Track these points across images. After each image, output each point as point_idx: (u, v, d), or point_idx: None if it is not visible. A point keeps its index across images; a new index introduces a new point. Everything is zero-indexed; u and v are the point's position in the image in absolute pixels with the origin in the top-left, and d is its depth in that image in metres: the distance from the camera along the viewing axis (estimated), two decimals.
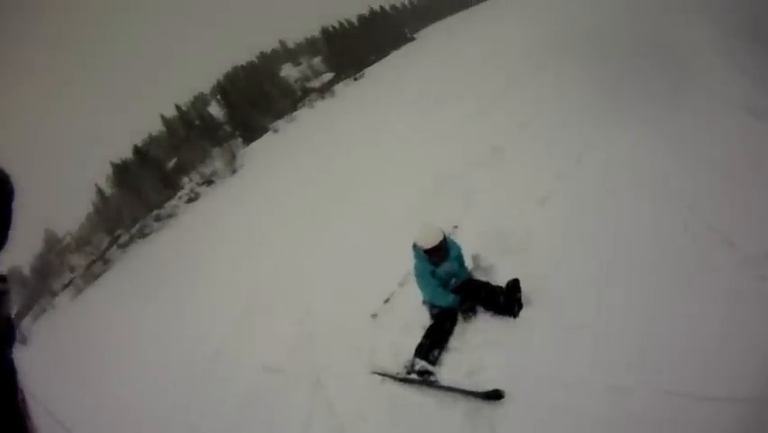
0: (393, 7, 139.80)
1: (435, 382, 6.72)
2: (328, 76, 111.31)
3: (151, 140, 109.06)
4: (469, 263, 8.35)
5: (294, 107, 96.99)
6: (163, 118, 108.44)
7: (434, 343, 7.15)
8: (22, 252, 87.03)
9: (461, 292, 7.58)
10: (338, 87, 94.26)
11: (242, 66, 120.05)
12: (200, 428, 10.01)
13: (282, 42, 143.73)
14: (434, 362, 6.96)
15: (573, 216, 8.91)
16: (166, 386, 13.16)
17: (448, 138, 19.32)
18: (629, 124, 11.02)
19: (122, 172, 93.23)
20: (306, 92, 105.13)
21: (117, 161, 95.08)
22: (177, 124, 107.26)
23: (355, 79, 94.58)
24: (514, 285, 7.13)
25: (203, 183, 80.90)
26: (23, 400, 1.71)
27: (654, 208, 7.85)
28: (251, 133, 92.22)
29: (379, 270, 10.99)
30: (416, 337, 7.48)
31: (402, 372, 7.20)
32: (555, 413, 5.33)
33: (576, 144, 11.62)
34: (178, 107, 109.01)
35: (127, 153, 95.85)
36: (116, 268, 67.17)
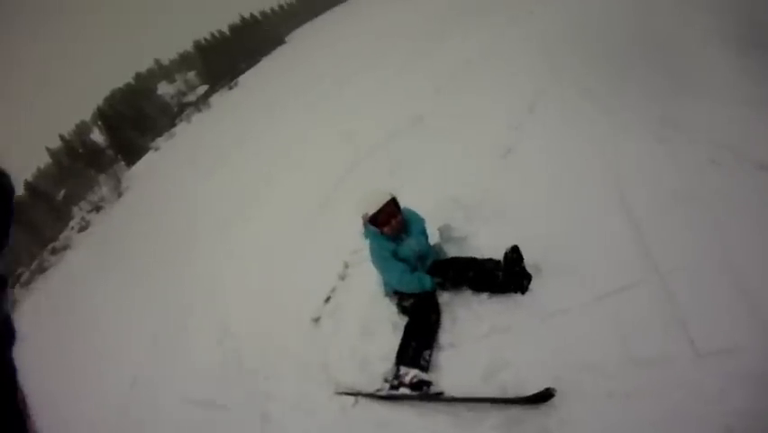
0: (263, 13, 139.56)
1: (442, 394, 4.82)
2: (203, 88, 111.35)
3: (40, 173, 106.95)
4: (433, 240, 6.50)
5: (172, 124, 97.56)
6: (49, 150, 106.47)
7: (421, 343, 5.25)
8: None
9: (436, 274, 5.78)
10: (213, 99, 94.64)
11: (120, 88, 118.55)
12: None
13: (157, 60, 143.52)
14: (426, 367, 5.11)
15: (546, 166, 7.46)
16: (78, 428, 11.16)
17: (354, 117, 18.23)
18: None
19: (16, 210, 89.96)
20: (183, 107, 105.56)
21: None
22: (61, 154, 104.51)
23: (230, 89, 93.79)
24: (514, 254, 5.35)
25: (91, 210, 79.93)
26: (23, 400, 1.60)
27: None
28: (133, 154, 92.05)
29: (309, 264, 9.25)
30: (383, 340, 5.77)
31: (384, 387, 5.26)
32: (620, 406, 3.91)
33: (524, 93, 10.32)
34: (61, 137, 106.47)
35: (19, 190, 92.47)
36: (22, 307, 64.99)
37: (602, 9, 13.19)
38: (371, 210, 5.66)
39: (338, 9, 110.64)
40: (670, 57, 9.18)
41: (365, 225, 5.82)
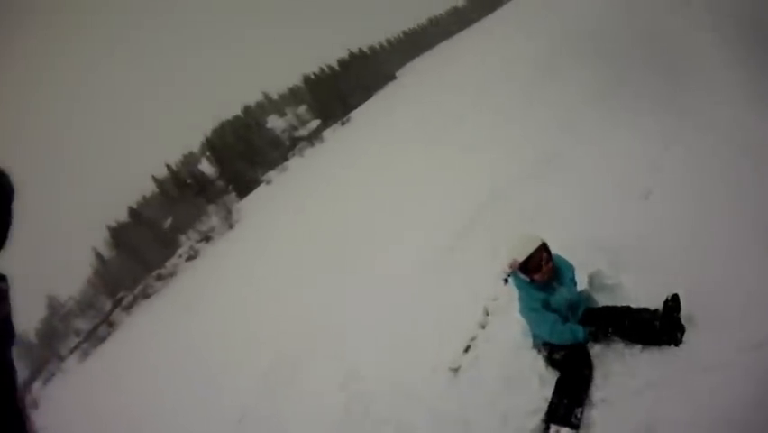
0: (371, 48, 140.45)
1: None
2: (315, 123, 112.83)
3: (145, 201, 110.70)
4: (580, 287, 6.19)
5: (284, 157, 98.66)
6: (155, 179, 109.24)
7: (573, 399, 5.08)
8: (25, 318, 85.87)
9: (588, 323, 5.54)
10: (326, 133, 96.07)
11: (228, 121, 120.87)
12: None
13: (265, 94, 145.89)
14: (577, 426, 4.95)
15: (689, 208, 7.10)
16: None
17: (478, 154, 17.82)
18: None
19: (118, 235, 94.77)
20: (295, 141, 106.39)
21: (113, 224, 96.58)
22: (169, 183, 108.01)
23: (342, 124, 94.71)
24: (674, 302, 5.16)
25: (201, 240, 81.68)
26: (23, 400, 1.73)
27: None
28: (244, 186, 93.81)
29: (444, 309, 8.91)
30: (529, 394, 5.55)
31: None
32: None
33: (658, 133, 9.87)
34: (168, 167, 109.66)
35: (122, 216, 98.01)
36: (122, 330, 66.72)
37: None
38: (521, 256, 5.49)
39: (446, 44, 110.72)
40: None
41: (514, 272, 5.65)
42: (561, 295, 5.59)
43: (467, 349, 7.24)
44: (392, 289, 11.81)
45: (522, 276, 5.56)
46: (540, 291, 5.55)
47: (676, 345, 4.99)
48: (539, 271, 5.49)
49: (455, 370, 6.97)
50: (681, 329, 5.04)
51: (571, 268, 5.91)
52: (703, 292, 5.27)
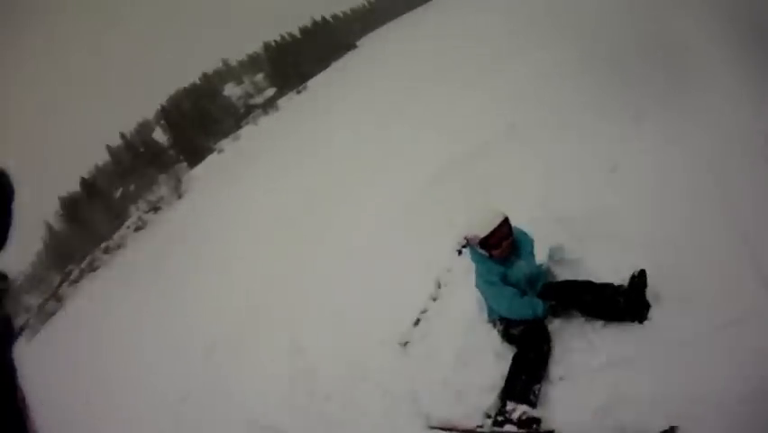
0: (334, 16, 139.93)
1: (553, 432, 4.53)
2: (271, 91, 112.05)
3: (98, 171, 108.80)
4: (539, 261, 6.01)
5: (238, 125, 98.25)
6: (108, 148, 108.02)
7: (531, 376, 4.89)
8: None
9: (548, 298, 5.36)
10: (282, 102, 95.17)
11: (185, 88, 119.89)
12: None
13: (225, 61, 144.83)
14: (535, 403, 4.77)
15: (656, 184, 6.99)
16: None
17: (435, 124, 17.78)
18: None
19: (69, 206, 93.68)
20: (250, 109, 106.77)
21: (65, 195, 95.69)
22: (122, 152, 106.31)
23: (298, 92, 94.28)
24: (641, 279, 5.00)
25: (149, 210, 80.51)
26: (23, 400, 1.70)
27: None
28: (196, 155, 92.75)
29: (394, 280, 8.66)
30: (483, 370, 5.37)
31: (486, 424, 4.96)
32: None
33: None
34: (122, 135, 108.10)
35: (74, 187, 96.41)
36: (69, 306, 65.59)
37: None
38: (483, 232, 5.24)
39: (410, 15, 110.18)
40: None
41: (472, 247, 5.45)
42: (519, 269, 5.41)
43: (417, 322, 7.02)
44: (341, 260, 11.63)
45: (481, 251, 5.36)
46: (498, 265, 5.36)
47: (641, 322, 4.86)
48: (499, 248, 5.28)
49: (404, 344, 6.76)
50: (647, 306, 4.92)
51: (530, 241, 5.73)
52: (669, 269, 5.17)
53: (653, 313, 4.88)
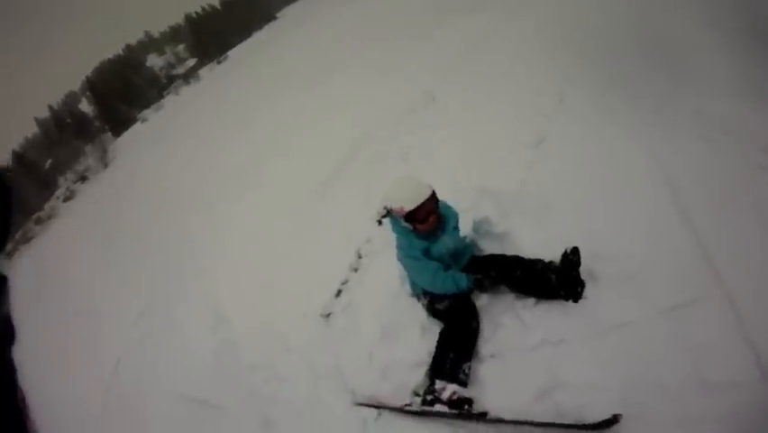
0: None
1: (486, 414, 4.16)
2: (192, 62, 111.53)
3: (27, 143, 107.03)
4: (465, 234, 5.67)
5: (161, 95, 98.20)
6: (36, 120, 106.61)
7: (459, 354, 4.53)
8: None
9: (474, 272, 5.00)
10: (203, 72, 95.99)
11: (110, 59, 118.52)
12: None
13: (147, 33, 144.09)
14: (465, 382, 4.41)
15: (586, 160, 6.80)
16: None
17: (356, 95, 17.79)
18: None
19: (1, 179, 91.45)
20: (172, 79, 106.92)
21: None
22: (50, 124, 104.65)
23: (218, 63, 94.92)
24: (574, 256, 4.67)
25: (77, 180, 79.76)
26: (23, 400, 1.64)
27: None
28: (121, 125, 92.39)
29: (313, 251, 8.50)
30: (410, 345, 5.01)
31: (414, 402, 4.58)
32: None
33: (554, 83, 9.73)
34: (50, 107, 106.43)
35: (6, 160, 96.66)
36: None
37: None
38: (409, 206, 4.80)
39: None
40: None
41: (394, 218, 5.02)
42: (443, 243, 5.06)
43: (338, 294, 6.71)
44: (263, 227, 11.40)
45: (405, 224, 4.95)
46: (421, 240, 4.97)
47: (575, 300, 4.56)
48: (425, 222, 4.88)
49: (326, 316, 6.43)
50: (581, 284, 4.61)
51: (455, 215, 5.35)
52: (603, 249, 4.88)
53: (589, 293, 4.59)
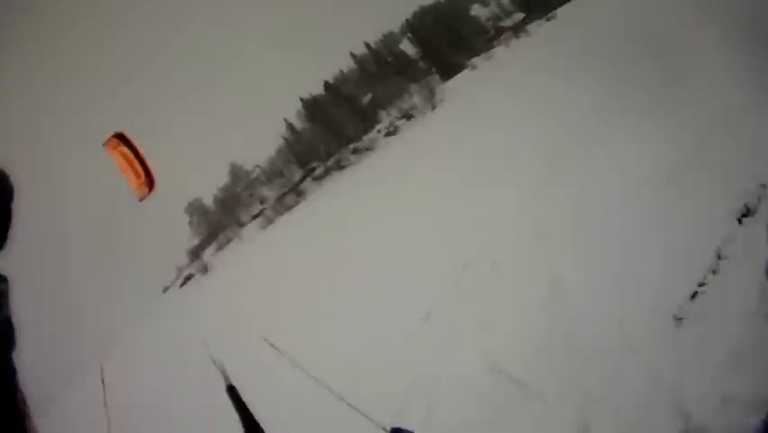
0: None
1: None
2: (519, 15, 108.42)
3: (343, 77, 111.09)
4: None
5: (490, 45, 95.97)
6: (353, 56, 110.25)
7: None
8: (203, 184, 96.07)
9: None
10: (531, 27, 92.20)
11: (430, 5, 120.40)
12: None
13: None
14: None
15: None
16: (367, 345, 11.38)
17: None
18: None
19: (312, 107, 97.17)
20: (500, 31, 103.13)
21: (307, 96, 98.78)
22: (368, 61, 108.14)
23: (547, 20, 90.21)
24: None
25: (401, 117, 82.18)
26: (23, 400, 1.69)
27: None
28: (448, 69, 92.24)
29: (669, 244, 7.66)
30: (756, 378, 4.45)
31: None
32: None
33: None
34: (367, 45, 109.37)
35: (317, 90, 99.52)
36: (311, 200, 68.67)
37: None
38: None
39: None
40: None
41: None
42: None
43: (694, 296, 6.19)
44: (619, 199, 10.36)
45: None
46: None
47: None
48: None
49: (679, 320, 5.99)
50: None
51: None
52: None
53: None
